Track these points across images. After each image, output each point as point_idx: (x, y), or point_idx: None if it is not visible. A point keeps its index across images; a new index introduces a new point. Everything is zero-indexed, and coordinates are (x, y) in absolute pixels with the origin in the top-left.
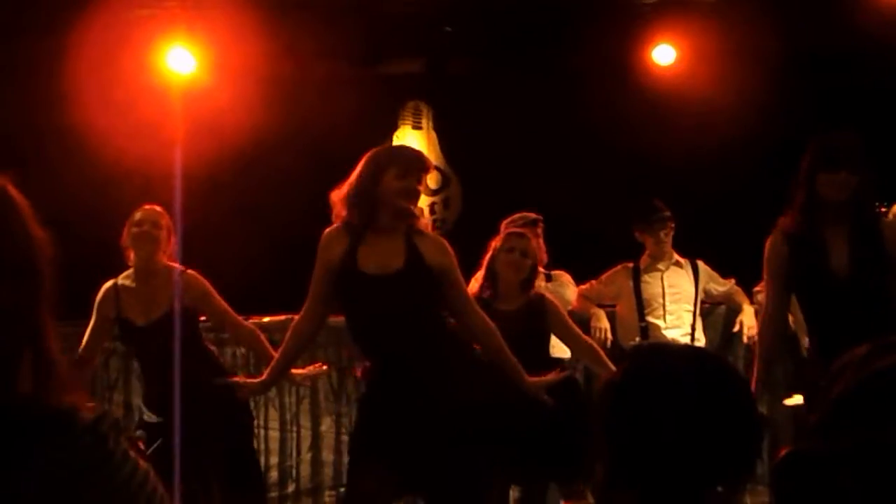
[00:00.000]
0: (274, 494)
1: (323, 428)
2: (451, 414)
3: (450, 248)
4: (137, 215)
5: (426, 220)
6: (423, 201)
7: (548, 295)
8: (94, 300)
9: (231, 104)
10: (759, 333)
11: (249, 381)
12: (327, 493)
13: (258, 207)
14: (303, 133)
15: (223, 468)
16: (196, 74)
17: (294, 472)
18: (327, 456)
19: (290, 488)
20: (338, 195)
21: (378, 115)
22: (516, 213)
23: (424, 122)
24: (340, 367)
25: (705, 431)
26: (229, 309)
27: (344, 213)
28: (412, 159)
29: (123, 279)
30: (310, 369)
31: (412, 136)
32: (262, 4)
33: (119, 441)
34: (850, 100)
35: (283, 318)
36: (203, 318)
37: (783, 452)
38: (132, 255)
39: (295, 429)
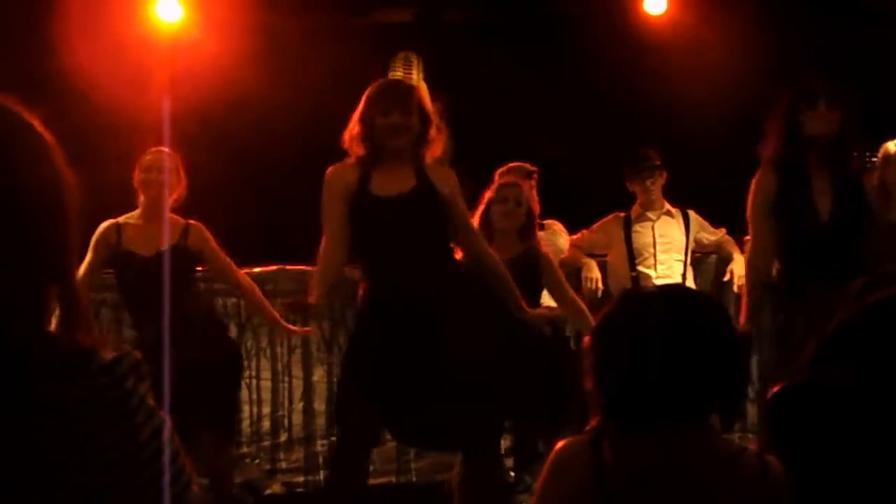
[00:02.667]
0: (266, 443)
1: (315, 378)
2: (463, 359)
3: (456, 179)
4: (146, 159)
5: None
6: None
7: (542, 244)
8: (88, 242)
9: (219, 53)
10: (748, 264)
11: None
12: (319, 441)
13: (247, 157)
14: (291, 83)
15: (208, 408)
16: (184, 23)
17: (286, 421)
18: (319, 405)
19: (283, 437)
20: (348, 134)
21: (368, 66)
22: (509, 162)
23: (415, 73)
24: (332, 318)
25: (688, 363)
26: (230, 261)
27: (356, 149)
28: (390, 93)
29: (126, 218)
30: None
31: None
32: None
33: (138, 385)
34: (847, 43)
35: (274, 268)
36: (200, 269)
37: (778, 386)
38: (140, 196)
39: (287, 378)
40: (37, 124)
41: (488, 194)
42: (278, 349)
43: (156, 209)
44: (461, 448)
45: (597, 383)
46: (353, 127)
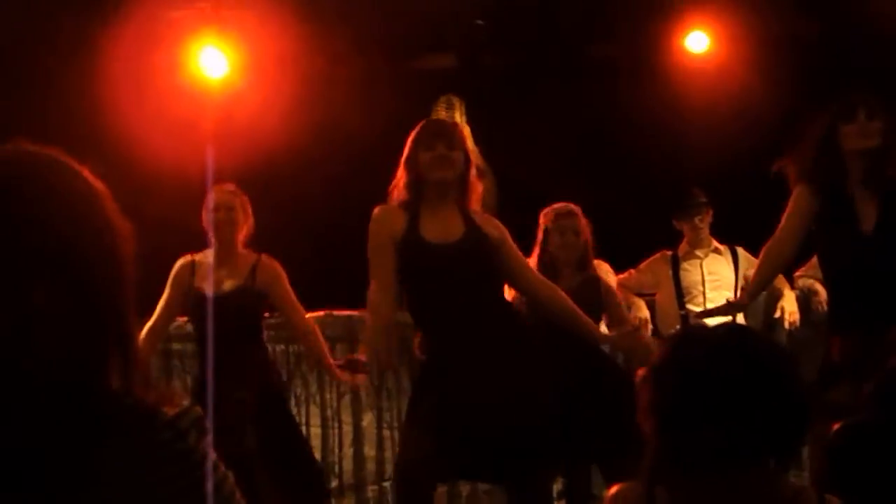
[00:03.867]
0: None
1: (364, 423)
2: (519, 397)
3: (500, 223)
4: (212, 199)
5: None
6: None
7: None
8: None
9: (264, 104)
10: (765, 252)
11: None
12: (370, 487)
13: (294, 206)
14: (336, 130)
15: (271, 455)
16: (229, 75)
17: (336, 467)
18: (369, 451)
19: (334, 484)
20: (394, 184)
21: (412, 111)
22: (553, 204)
23: (458, 116)
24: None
25: (749, 406)
26: (296, 302)
27: (402, 194)
28: (432, 128)
29: (201, 256)
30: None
31: None
32: (293, 2)
33: (200, 440)
34: (888, 83)
35: (321, 314)
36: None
37: (837, 425)
38: (211, 236)
39: (336, 424)
40: (88, 174)
41: (544, 224)
42: (327, 395)
43: (226, 248)
44: (509, 481)
45: (653, 423)
46: (399, 172)
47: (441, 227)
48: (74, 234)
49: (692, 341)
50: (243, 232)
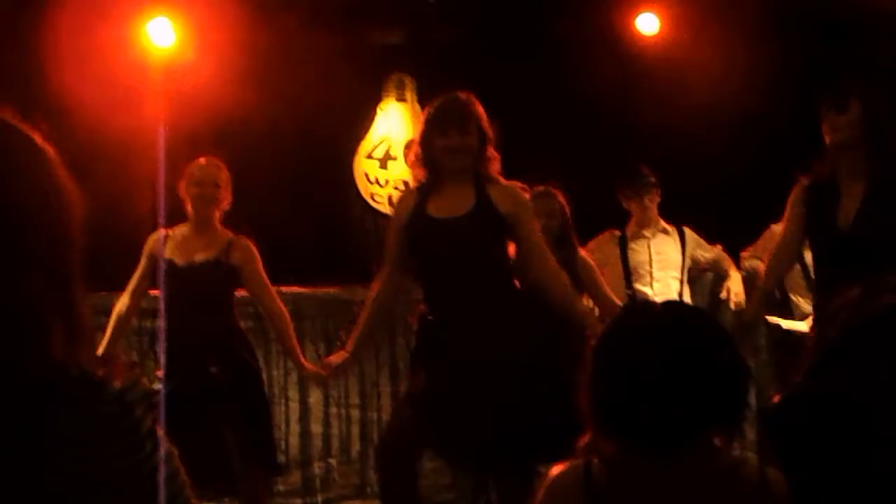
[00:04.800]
0: None
1: (311, 400)
2: (509, 382)
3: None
4: (197, 173)
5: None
6: (408, 174)
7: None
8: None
9: (212, 77)
10: (768, 265)
11: (333, 360)
12: (317, 464)
13: (241, 180)
14: (285, 106)
15: (239, 428)
16: (177, 47)
17: (283, 444)
18: (316, 428)
19: (280, 460)
20: (411, 156)
21: (362, 88)
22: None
23: (408, 95)
24: (327, 339)
25: (688, 377)
26: (268, 283)
27: (417, 173)
28: (447, 113)
29: (175, 230)
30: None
31: (396, 109)
32: None
33: (147, 414)
34: (837, 64)
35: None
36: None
37: (777, 397)
38: (189, 209)
39: (283, 401)
40: (38, 138)
41: None
42: (274, 372)
43: (205, 222)
44: (490, 470)
45: (592, 399)
46: (414, 149)
47: (449, 203)
48: (20, 194)
49: (630, 319)
50: (220, 208)
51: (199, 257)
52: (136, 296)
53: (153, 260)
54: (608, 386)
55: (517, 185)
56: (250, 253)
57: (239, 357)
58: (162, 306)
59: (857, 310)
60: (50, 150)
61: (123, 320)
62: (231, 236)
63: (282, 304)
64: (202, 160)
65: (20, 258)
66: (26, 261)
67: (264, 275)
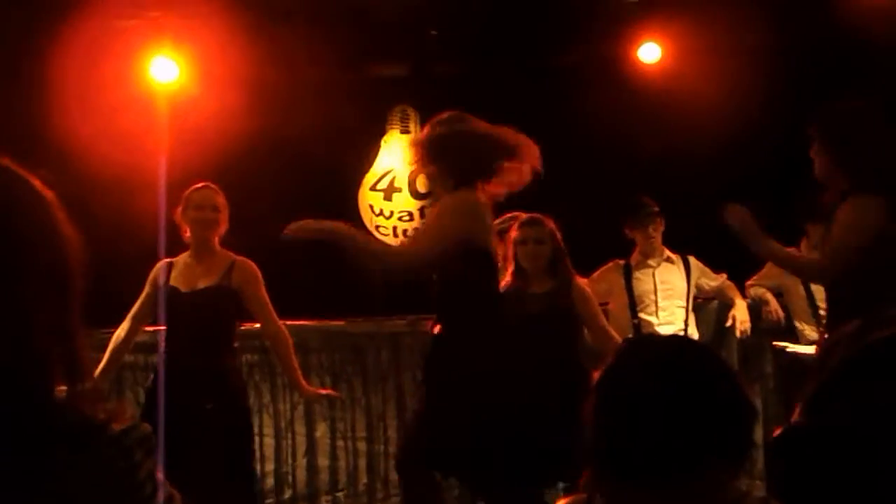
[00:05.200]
0: (271, 501)
1: (318, 434)
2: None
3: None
4: (195, 197)
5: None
6: (413, 205)
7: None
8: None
9: (216, 112)
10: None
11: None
12: (324, 497)
13: (245, 215)
14: (289, 140)
15: (220, 464)
16: (180, 83)
17: (290, 478)
18: (322, 461)
19: (287, 494)
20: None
21: (366, 121)
22: (505, 213)
23: (412, 126)
24: (333, 372)
25: (689, 412)
26: (269, 305)
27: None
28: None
29: (179, 258)
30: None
31: (399, 141)
32: (245, 12)
33: (146, 457)
34: (837, 93)
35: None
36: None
37: (777, 431)
38: (188, 234)
39: (290, 435)
40: (37, 182)
41: (512, 235)
42: (280, 406)
43: (204, 247)
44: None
45: (595, 433)
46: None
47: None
48: (21, 243)
49: (633, 352)
50: (220, 232)
51: (202, 283)
52: (135, 321)
53: (156, 287)
54: (609, 420)
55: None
56: (251, 273)
57: (233, 393)
58: (162, 334)
59: (856, 342)
60: (50, 195)
61: (121, 346)
62: (233, 258)
63: (282, 326)
64: (199, 185)
65: (21, 302)
66: (28, 305)
67: (265, 295)
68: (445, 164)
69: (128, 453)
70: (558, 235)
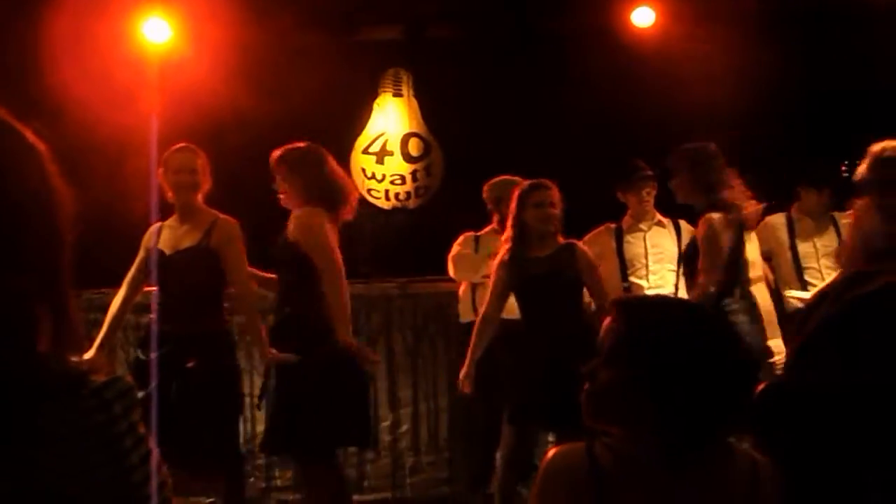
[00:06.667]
0: (260, 461)
1: None
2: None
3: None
4: (173, 160)
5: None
6: (405, 168)
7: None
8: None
9: (208, 73)
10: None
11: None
12: None
13: (236, 177)
14: (282, 102)
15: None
16: (172, 43)
17: None
18: None
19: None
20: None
21: (358, 83)
22: (499, 176)
23: (405, 90)
24: None
25: (707, 371)
26: (246, 268)
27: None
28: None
29: (170, 219)
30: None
31: (392, 104)
32: None
33: (128, 411)
34: (831, 59)
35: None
36: None
37: (761, 386)
38: (172, 197)
39: None
40: (29, 135)
41: (518, 198)
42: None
43: (186, 208)
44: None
45: (620, 384)
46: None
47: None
48: (10, 191)
49: (652, 308)
50: (202, 192)
51: (185, 244)
52: (131, 286)
53: (147, 251)
54: (644, 377)
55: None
56: (230, 232)
57: (217, 353)
58: (155, 295)
59: (839, 298)
60: (42, 147)
61: (120, 310)
62: (215, 217)
63: (252, 289)
64: (178, 146)
65: (9, 255)
66: (16, 257)
67: (242, 255)
68: (303, 180)
69: (107, 406)
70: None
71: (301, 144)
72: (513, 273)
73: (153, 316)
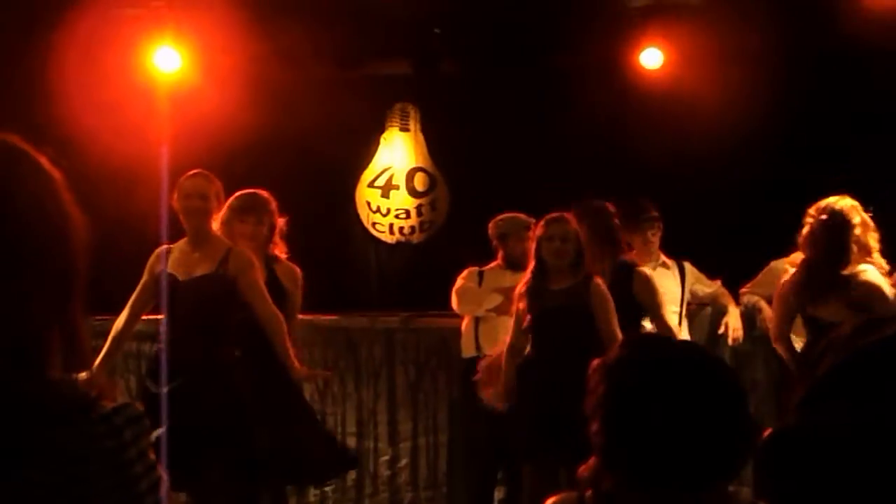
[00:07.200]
0: None
1: None
2: None
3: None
4: (185, 186)
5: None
6: (410, 203)
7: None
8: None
9: (218, 104)
10: None
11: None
12: (312, 492)
13: None
14: (290, 134)
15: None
16: (182, 74)
17: None
18: None
19: None
20: None
21: (366, 118)
22: (503, 213)
23: (412, 124)
24: (326, 366)
25: (706, 425)
26: (265, 293)
27: None
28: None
29: (177, 244)
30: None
31: (400, 139)
32: (249, 5)
33: (138, 437)
34: (838, 100)
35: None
36: None
37: (767, 432)
38: (184, 223)
39: None
40: (45, 162)
41: (536, 232)
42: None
43: (198, 234)
44: None
45: (600, 433)
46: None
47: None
48: (26, 217)
49: (647, 347)
50: (216, 219)
51: (199, 271)
52: (134, 309)
53: (153, 275)
54: (615, 417)
55: None
56: (246, 261)
57: (228, 383)
58: (164, 322)
59: (848, 345)
60: (57, 174)
61: (122, 334)
62: (228, 246)
63: (276, 311)
64: (192, 173)
65: (24, 279)
66: (30, 282)
67: (260, 282)
68: None
69: (117, 432)
70: (581, 236)
71: None
72: (530, 304)
73: (161, 346)
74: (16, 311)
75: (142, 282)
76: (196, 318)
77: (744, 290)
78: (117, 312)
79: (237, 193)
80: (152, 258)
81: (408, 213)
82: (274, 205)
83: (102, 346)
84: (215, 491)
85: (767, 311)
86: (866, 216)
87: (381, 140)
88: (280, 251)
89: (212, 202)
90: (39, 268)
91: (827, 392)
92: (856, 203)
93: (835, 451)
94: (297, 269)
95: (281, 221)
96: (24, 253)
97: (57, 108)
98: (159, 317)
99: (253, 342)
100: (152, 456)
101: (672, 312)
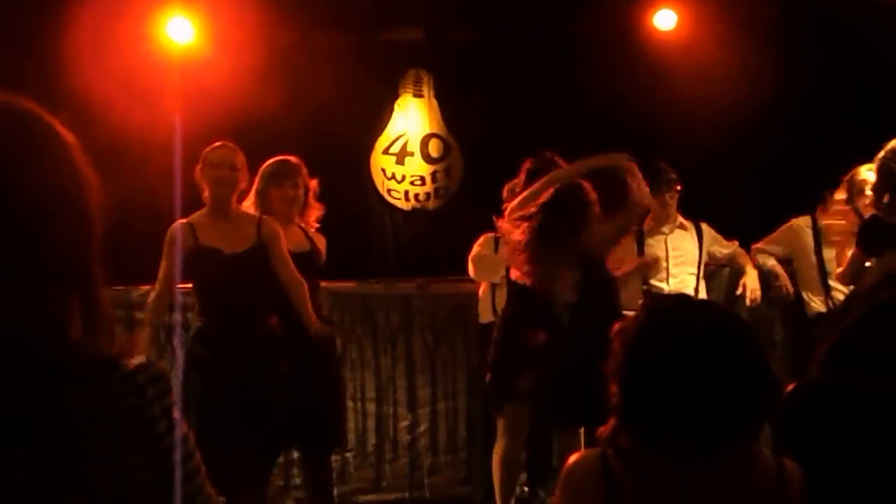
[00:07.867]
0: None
1: None
2: None
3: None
4: (213, 156)
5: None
6: (425, 169)
7: None
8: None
9: (230, 74)
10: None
11: None
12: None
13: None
14: (303, 103)
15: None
16: (195, 44)
17: None
18: None
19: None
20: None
21: (379, 84)
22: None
23: (425, 91)
24: (344, 333)
25: (722, 373)
26: (290, 260)
27: None
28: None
29: (196, 217)
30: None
31: (413, 105)
32: None
33: (161, 395)
34: (851, 65)
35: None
36: None
37: (790, 386)
38: (207, 194)
39: None
40: (59, 125)
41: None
42: None
43: (224, 206)
44: None
45: (621, 392)
46: None
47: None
48: (41, 180)
49: (670, 309)
50: (239, 190)
51: (243, 243)
52: (167, 285)
53: (179, 248)
54: (635, 377)
55: None
56: (275, 230)
57: (278, 356)
58: (199, 295)
59: (870, 300)
60: (71, 137)
61: (161, 308)
62: (258, 216)
63: (300, 277)
64: (218, 144)
65: (41, 243)
66: (47, 243)
67: (285, 250)
68: None
69: (140, 390)
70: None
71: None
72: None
73: (202, 317)
74: (36, 276)
75: (169, 256)
76: (254, 290)
77: (758, 245)
78: (130, 281)
79: (268, 161)
80: (171, 233)
81: (423, 179)
82: (305, 169)
83: (120, 317)
84: (249, 461)
85: (785, 278)
86: None
87: (395, 107)
88: (316, 212)
89: (240, 172)
90: (57, 228)
91: (851, 346)
92: None
93: (857, 406)
94: (322, 237)
95: (313, 183)
96: (42, 213)
97: (70, 78)
98: (186, 286)
99: (289, 310)
100: (176, 414)
101: (689, 274)
